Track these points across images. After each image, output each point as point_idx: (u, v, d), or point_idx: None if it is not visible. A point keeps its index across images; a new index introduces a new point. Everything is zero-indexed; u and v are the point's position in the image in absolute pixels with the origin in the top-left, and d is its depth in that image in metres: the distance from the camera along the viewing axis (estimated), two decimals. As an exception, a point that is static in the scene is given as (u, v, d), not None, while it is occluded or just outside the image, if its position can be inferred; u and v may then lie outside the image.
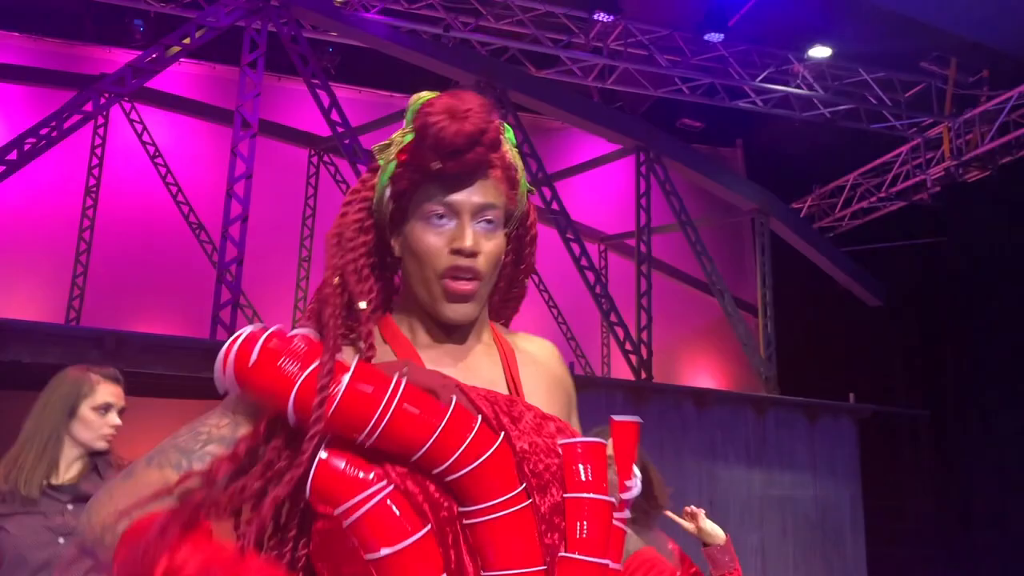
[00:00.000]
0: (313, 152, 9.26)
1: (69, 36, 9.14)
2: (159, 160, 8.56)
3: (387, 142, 1.20)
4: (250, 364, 1.03)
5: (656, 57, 8.49)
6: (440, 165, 1.12)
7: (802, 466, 8.38)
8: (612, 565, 1.14)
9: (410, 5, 7.95)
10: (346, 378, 1.02)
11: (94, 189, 8.34)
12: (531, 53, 8.51)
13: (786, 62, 8.84)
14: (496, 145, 1.15)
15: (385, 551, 0.98)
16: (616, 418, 1.22)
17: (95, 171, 8.37)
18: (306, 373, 1.02)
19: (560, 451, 1.12)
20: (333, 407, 1.00)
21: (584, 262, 8.06)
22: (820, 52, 8.72)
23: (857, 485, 8.61)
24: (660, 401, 7.78)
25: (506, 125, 1.23)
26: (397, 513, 1.00)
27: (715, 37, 8.30)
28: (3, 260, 8.03)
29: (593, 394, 7.34)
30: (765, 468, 8.17)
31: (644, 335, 8.26)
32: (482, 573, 1.03)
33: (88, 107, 6.64)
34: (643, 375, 8.11)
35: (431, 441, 1.01)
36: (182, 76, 8.92)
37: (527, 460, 1.09)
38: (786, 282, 9.64)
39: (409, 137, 1.16)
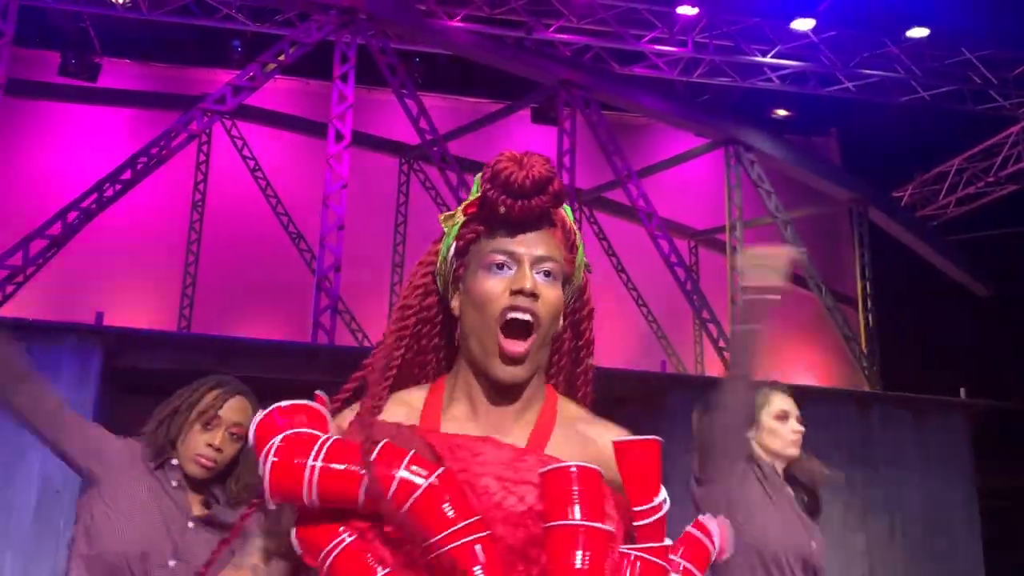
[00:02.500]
0: (403, 160, 9.48)
1: (173, 60, 9.66)
2: (259, 174, 8.94)
3: (452, 212, 1.26)
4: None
5: (743, 47, 8.33)
6: (506, 209, 1.16)
7: (910, 465, 8.03)
8: None
9: (492, 11, 8.05)
10: (271, 455, 1.08)
11: (200, 204, 8.79)
12: (614, 50, 8.49)
13: (881, 45, 8.52)
14: (559, 198, 1.19)
15: None
16: (618, 440, 1.14)
17: (200, 186, 8.82)
18: (271, 458, 1.09)
19: (539, 483, 1.09)
20: (266, 480, 1.07)
21: (673, 259, 7.97)
22: (918, 33, 8.36)
23: (971, 485, 8.19)
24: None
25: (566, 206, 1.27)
26: (359, 560, 1.06)
27: (804, 25, 8.08)
28: (119, 272, 8.55)
29: (683, 395, 7.24)
30: (870, 467, 7.88)
31: (739, 331, 8.10)
32: None
33: (193, 126, 7.01)
34: (738, 372, 7.96)
35: (362, 490, 1.05)
36: (278, 92, 9.29)
37: (490, 494, 1.09)
38: (888, 273, 9.27)
39: (475, 195, 1.21)
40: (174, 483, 2.02)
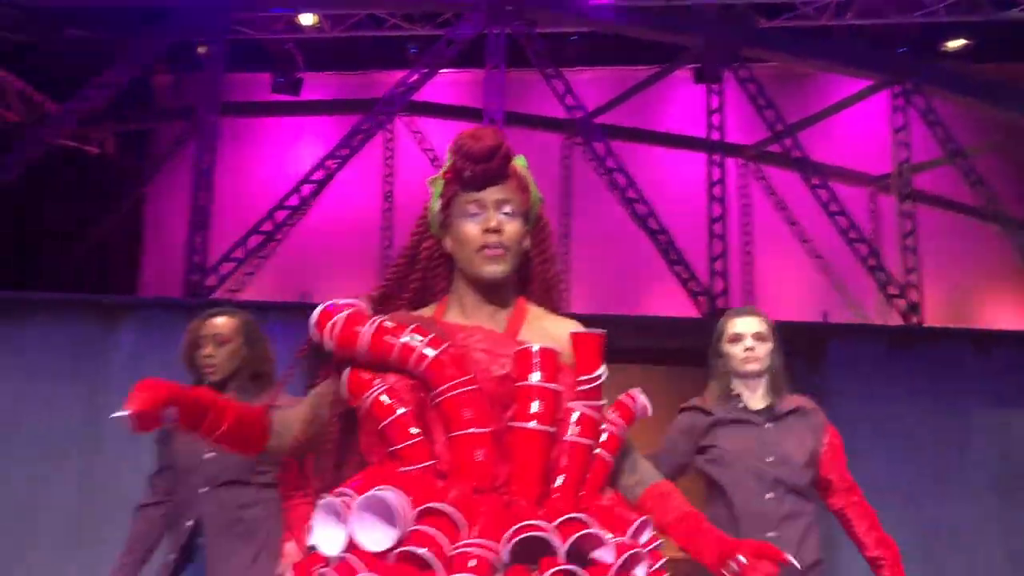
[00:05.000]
0: (564, 136, 9.99)
1: (362, 68, 10.81)
2: (437, 163, 9.86)
3: (435, 176, 1.74)
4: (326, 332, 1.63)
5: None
6: (470, 172, 1.64)
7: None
8: (574, 438, 1.57)
9: (635, -18, 8.32)
10: (337, 326, 1.60)
11: (389, 194, 9.87)
12: (761, 4, 8.42)
13: (1068, -45, 7.74)
14: (508, 157, 1.66)
15: (382, 423, 1.57)
16: (574, 332, 1.65)
17: (388, 178, 9.90)
18: (337, 326, 1.61)
19: (513, 356, 1.59)
20: (334, 339, 1.60)
21: (834, 207, 7.86)
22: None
23: None
24: (934, 347, 7.33)
25: (521, 157, 1.73)
26: (387, 402, 1.57)
27: (967, -54, 7.55)
28: (324, 259, 9.86)
29: (855, 342, 7.13)
30: (1071, 412, 7.30)
31: (912, 277, 7.84)
32: (447, 435, 1.56)
33: (369, 126, 7.98)
34: (913, 320, 7.72)
35: (395, 353, 1.56)
36: (448, 85, 10.13)
37: (479, 363, 1.58)
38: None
39: (448, 164, 1.72)
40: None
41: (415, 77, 7.91)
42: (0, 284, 7.10)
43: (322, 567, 1.51)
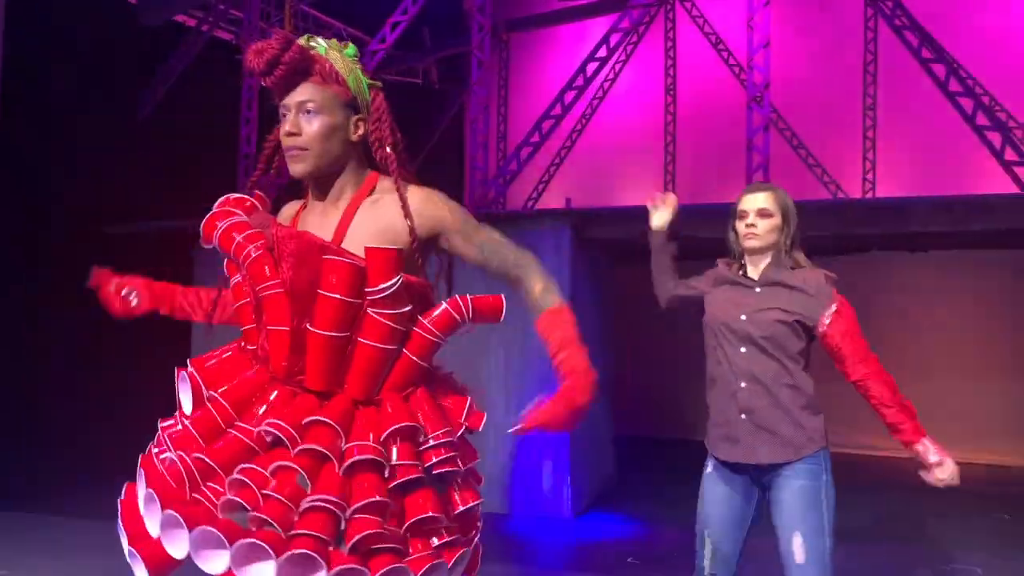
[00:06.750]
0: (868, 1, 8.81)
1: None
2: (720, 46, 9.34)
3: None
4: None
5: None
6: (266, 84, 1.78)
7: None
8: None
9: None
10: (206, 219, 1.90)
11: (672, 87, 9.62)
12: None
13: None
14: (294, 64, 1.72)
15: (235, 306, 1.89)
16: (367, 247, 1.70)
17: (671, 71, 9.63)
18: (204, 223, 1.90)
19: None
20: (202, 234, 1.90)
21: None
22: None
23: None
24: None
25: (329, 48, 1.78)
26: (237, 289, 1.86)
27: None
28: (611, 159, 10.00)
29: None
30: None
31: None
32: (266, 328, 1.79)
33: (634, 15, 7.82)
34: None
35: (233, 250, 1.81)
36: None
37: (291, 269, 1.73)
38: None
39: None
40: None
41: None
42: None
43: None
